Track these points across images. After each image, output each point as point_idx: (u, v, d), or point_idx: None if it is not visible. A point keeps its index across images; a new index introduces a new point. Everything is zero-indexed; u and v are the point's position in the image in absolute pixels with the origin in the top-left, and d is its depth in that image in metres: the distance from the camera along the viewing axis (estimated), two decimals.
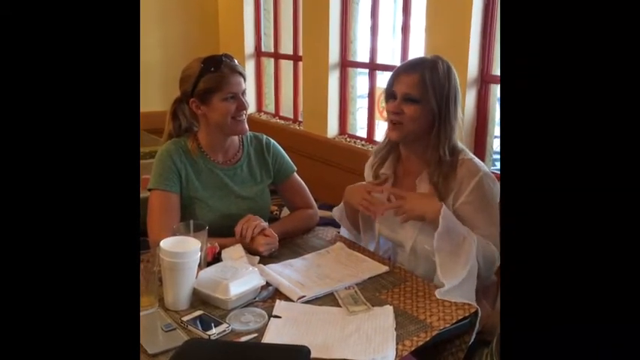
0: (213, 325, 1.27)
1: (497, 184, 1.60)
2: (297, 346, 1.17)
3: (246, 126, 1.76)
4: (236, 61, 1.75)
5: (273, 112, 4.38)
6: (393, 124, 1.61)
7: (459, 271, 1.45)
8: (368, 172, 1.83)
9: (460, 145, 1.65)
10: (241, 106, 1.71)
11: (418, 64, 1.62)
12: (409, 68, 1.61)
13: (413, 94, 1.57)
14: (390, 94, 1.63)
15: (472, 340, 1.38)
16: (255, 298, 1.41)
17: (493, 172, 2.59)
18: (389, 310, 1.36)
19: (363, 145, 3.47)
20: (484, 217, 1.56)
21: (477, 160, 1.63)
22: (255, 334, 1.26)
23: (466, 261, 1.46)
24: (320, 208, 2.01)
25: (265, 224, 1.68)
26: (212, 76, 1.69)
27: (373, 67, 3.40)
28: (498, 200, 1.59)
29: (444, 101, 1.58)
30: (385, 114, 1.68)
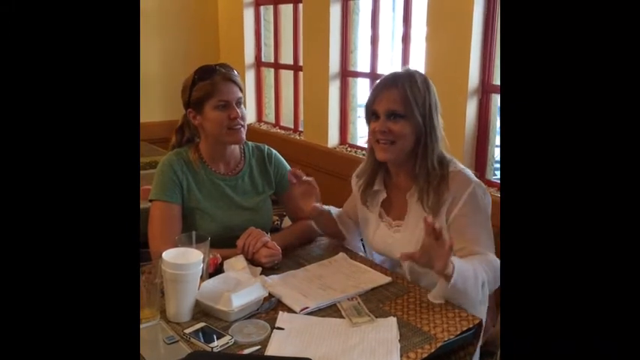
0: (215, 337, 1.26)
1: (488, 194, 1.59)
2: (300, 358, 1.17)
3: (242, 135, 1.74)
4: (235, 71, 1.74)
5: (273, 122, 4.38)
6: (383, 145, 1.57)
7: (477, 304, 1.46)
8: (355, 189, 1.79)
9: (448, 155, 1.62)
10: (234, 115, 1.69)
11: (395, 79, 1.57)
12: (388, 84, 1.57)
13: (397, 109, 1.54)
14: (371, 113, 1.59)
15: (476, 351, 1.37)
16: (257, 310, 1.40)
17: (495, 181, 2.59)
18: (392, 321, 1.35)
19: (363, 154, 3.46)
20: (479, 228, 1.54)
21: (467, 170, 1.60)
22: (259, 346, 1.25)
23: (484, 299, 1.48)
24: None
25: (267, 238, 1.66)
26: (204, 84, 1.69)
27: (374, 76, 3.40)
28: (489, 209, 1.58)
29: (427, 113, 1.55)
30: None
